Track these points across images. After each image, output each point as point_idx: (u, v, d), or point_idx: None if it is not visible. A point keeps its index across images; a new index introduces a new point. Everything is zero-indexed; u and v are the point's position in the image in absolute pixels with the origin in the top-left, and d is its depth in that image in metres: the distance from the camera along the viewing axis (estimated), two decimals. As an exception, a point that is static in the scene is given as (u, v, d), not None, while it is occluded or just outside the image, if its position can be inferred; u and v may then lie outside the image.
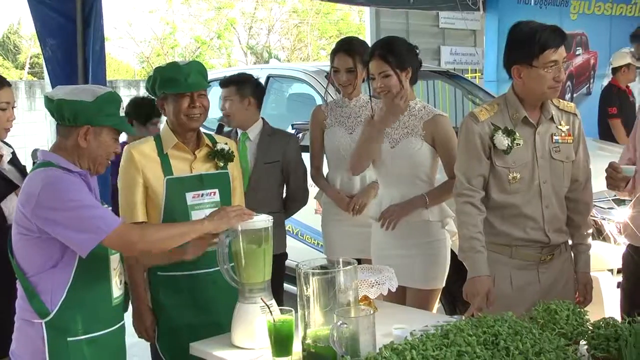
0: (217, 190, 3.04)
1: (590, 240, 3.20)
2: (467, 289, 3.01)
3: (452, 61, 10.95)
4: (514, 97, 3.04)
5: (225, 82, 4.15)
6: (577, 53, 9.06)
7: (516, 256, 3.06)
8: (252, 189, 3.90)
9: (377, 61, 3.40)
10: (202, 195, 3.01)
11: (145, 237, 2.48)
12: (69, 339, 2.48)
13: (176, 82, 2.95)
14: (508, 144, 2.98)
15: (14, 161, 3.29)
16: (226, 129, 4.28)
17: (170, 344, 3.03)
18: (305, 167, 4.21)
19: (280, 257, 3.99)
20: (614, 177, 3.08)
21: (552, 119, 3.07)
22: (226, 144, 3.15)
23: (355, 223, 3.89)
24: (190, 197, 2.98)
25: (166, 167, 2.98)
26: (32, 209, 2.37)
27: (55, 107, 2.49)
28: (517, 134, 3.00)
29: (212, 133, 3.34)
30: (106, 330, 2.57)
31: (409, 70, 3.43)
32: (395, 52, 3.40)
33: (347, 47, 3.88)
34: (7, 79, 3.24)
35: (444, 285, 3.55)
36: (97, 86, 2.65)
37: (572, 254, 3.18)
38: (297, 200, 4.25)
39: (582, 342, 2.25)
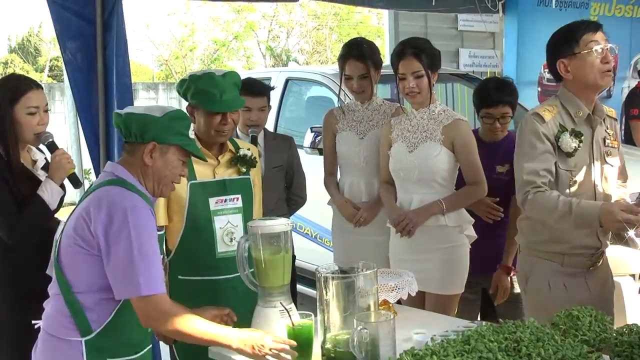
0: (239, 196, 3.03)
1: None
2: (607, 224, 2.69)
3: (470, 64, 10.87)
4: (571, 95, 2.92)
5: (258, 92, 4.04)
6: (597, 55, 8.96)
7: (568, 264, 2.95)
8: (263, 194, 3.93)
9: (410, 60, 3.36)
10: (225, 200, 3.00)
11: (168, 323, 2.30)
12: (109, 359, 2.37)
13: (211, 99, 2.90)
14: (575, 147, 2.86)
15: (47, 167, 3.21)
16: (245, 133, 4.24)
17: (187, 348, 3.02)
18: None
19: None
20: None
21: (603, 121, 2.98)
22: (249, 149, 3.13)
23: (365, 232, 3.77)
24: (213, 203, 2.97)
25: (189, 172, 2.92)
26: (106, 228, 2.24)
27: (122, 121, 2.42)
28: (583, 135, 2.88)
29: (235, 138, 3.30)
30: (139, 354, 2.47)
31: (436, 72, 3.42)
32: (427, 52, 3.38)
33: (358, 52, 3.70)
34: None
35: (463, 290, 3.51)
36: (166, 105, 2.57)
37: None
38: (302, 198, 4.37)
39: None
